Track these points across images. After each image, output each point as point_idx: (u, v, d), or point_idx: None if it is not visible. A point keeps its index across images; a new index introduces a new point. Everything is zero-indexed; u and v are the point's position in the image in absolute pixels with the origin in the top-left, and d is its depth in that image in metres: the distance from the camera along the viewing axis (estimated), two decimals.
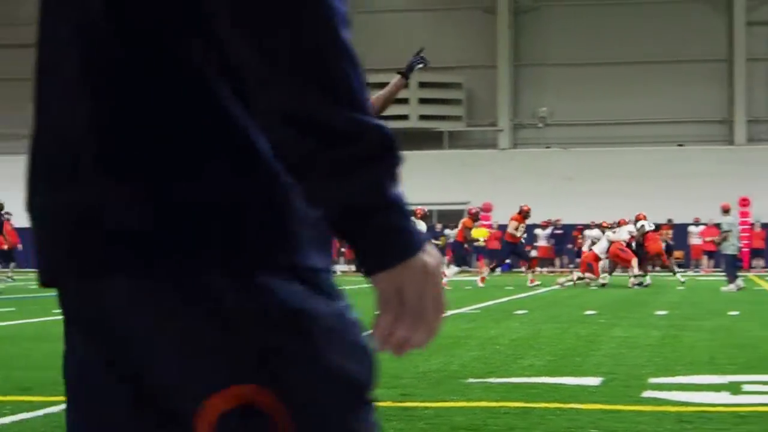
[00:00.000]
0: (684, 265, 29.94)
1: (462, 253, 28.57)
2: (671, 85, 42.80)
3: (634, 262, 26.05)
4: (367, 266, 1.48)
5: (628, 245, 26.38)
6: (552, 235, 41.03)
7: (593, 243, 27.64)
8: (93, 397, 1.55)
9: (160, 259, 1.47)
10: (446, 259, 29.43)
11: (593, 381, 8.28)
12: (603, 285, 25.92)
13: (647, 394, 7.61)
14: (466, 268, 32.22)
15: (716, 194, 33.93)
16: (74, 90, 1.53)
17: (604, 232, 27.96)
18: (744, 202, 39.06)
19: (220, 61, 1.49)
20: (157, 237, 1.47)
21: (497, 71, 44.46)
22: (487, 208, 38.78)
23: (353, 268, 22.49)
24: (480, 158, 43.90)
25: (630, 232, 26.81)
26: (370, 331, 1.51)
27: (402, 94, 8.40)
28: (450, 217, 39.86)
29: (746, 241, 36.02)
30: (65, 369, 1.61)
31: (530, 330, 12.67)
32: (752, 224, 39.47)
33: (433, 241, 33.21)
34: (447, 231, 38.48)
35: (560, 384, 8.13)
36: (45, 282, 1.59)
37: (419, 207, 27.22)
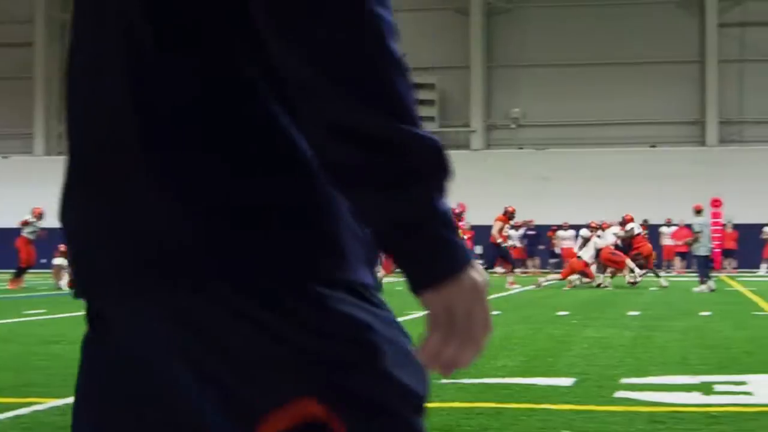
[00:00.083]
0: (657, 265, 29.97)
1: None
2: (643, 87, 42.94)
3: (629, 262, 25.98)
4: (416, 281, 1.44)
5: (616, 247, 26.31)
6: (525, 236, 41.10)
7: (585, 242, 27.33)
8: (152, 408, 1.52)
9: (216, 273, 1.44)
10: None
11: (566, 381, 8.30)
12: (599, 285, 25.81)
13: (619, 394, 7.64)
14: None
15: (688, 195, 34.10)
16: (116, 98, 1.49)
17: (593, 232, 27.74)
18: (716, 203, 39.23)
19: (264, 67, 1.46)
20: (211, 251, 1.44)
21: (470, 72, 44.47)
22: (460, 209, 38.82)
23: None
24: (453, 159, 43.69)
25: (615, 234, 26.68)
26: (417, 348, 1.49)
27: None
28: None
29: (718, 242, 36.17)
30: (91, 377, 1.59)
31: (503, 330, 12.69)
32: (724, 225, 39.63)
33: None
34: None
35: (533, 384, 8.14)
36: (92, 297, 1.57)
37: None
